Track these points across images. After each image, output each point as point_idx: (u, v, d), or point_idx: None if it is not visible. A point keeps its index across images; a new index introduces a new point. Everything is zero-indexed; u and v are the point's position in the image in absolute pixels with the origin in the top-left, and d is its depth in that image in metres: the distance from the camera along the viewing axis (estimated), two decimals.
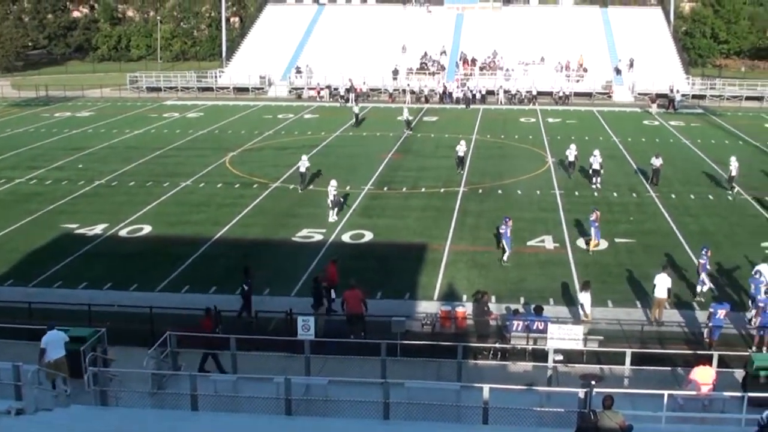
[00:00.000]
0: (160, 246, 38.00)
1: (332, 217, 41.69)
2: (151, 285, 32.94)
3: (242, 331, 26.91)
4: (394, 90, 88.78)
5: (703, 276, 32.02)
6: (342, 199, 43.56)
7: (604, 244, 37.69)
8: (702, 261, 32.03)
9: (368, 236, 39.22)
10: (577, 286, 32.18)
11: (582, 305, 28.49)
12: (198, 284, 32.98)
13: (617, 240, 37.97)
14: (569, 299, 31.47)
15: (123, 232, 40.09)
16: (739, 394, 22.03)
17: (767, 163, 55.74)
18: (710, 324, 27.45)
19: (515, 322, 26.81)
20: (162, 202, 45.64)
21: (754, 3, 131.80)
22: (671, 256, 36.22)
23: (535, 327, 26.42)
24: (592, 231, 37.16)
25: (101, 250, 37.61)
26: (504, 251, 35.45)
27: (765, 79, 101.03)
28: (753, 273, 30.94)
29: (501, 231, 35.67)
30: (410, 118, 68.72)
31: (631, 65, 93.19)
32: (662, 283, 29.35)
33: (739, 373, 24.41)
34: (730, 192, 47.96)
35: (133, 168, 53.93)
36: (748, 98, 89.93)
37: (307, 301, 29.68)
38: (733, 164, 48.67)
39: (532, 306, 28.14)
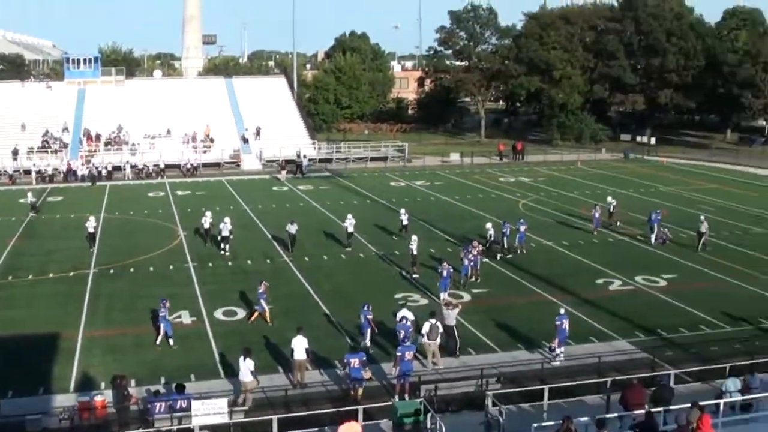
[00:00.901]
0: None
1: None
2: None
3: None
4: (15, 171, 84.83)
5: (368, 332, 33.48)
6: None
7: (242, 313, 38.23)
8: (369, 317, 33.45)
9: None
10: (217, 358, 32.57)
11: (252, 372, 28.49)
12: None
13: (255, 307, 38.44)
14: (212, 373, 31.44)
15: None
16: None
17: (391, 218, 58.63)
18: (347, 371, 28.54)
19: (157, 404, 26.32)
20: None
21: (373, 69, 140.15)
22: (308, 317, 37.24)
23: (178, 406, 26.07)
24: (262, 302, 37.36)
25: None
26: (163, 333, 34.71)
27: (387, 140, 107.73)
28: (399, 320, 32.49)
29: (160, 314, 34.90)
30: (34, 199, 66.03)
31: (258, 133, 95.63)
32: (300, 345, 30.03)
33: (385, 424, 25.45)
34: (348, 248, 50.73)
35: None
36: (372, 159, 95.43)
37: None
38: (349, 221, 51.53)
39: (174, 384, 27.80)
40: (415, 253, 44.74)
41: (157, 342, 34.52)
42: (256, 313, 37.45)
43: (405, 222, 53.74)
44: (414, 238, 45.81)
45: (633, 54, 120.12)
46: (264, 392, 29.00)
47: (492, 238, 49.47)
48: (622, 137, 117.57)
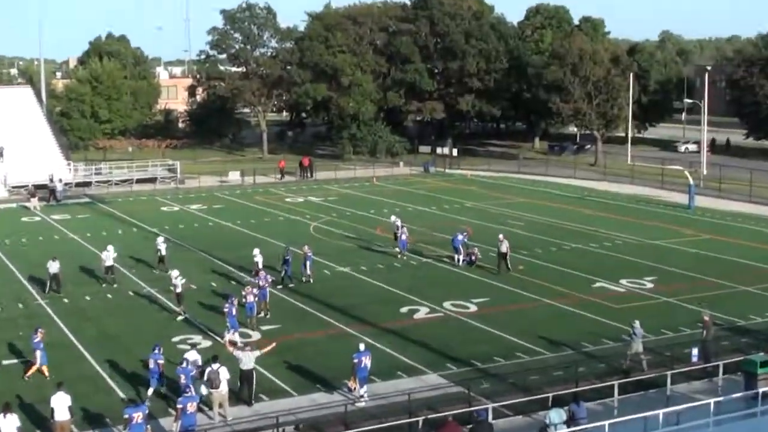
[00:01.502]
0: None
1: None
2: None
3: None
4: None
5: (159, 378, 33.10)
6: None
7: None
8: (160, 361, 32.95)
9: None
10: None
11: (19, 427, 27.47)
12: None
13: (5, 362, 37.17)
14: None
15: None
16: None
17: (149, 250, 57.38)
18: (126, 430, 27.91)
19: None
20: None
21: (135, 77, 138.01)
22: (72, 369, 36.21)
23: None
24: (38, 353, 35.70)
25: None
26: None
27: (156, 158, 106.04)
28: (179, 363, 32.34)
29: None
30: None
31: (1, 155, 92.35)
32: (62, 404, 28.99)
33: None
34: (113, 285, 49.78)
35: None
36: (139, 181, 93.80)
37: None
38: (107, 253, 50.46)
39: None
40: (179, 290, 44.06)
41: None
42: (34, 366, 35.67)
43: (163, 252, 52.86)
44: (175, 273, 45.07)
45: (429, 57, 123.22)
46: None
47: (260, 266, 48.57)
48: (422, 149, 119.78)
